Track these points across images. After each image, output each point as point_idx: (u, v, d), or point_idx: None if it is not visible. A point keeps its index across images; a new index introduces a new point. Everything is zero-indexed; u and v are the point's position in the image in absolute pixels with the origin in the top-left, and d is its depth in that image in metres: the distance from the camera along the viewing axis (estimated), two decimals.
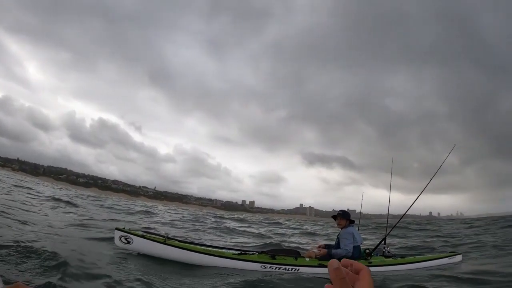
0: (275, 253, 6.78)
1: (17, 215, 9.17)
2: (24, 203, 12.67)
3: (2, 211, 9.08)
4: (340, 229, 7.16)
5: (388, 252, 7.82)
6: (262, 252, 6.88)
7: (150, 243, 6.56)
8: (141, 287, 4.50)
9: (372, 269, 6.85)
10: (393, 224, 8.78)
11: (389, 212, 7.62)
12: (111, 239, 7.43)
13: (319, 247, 7.25)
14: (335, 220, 7.29)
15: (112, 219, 13.05)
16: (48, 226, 8.53)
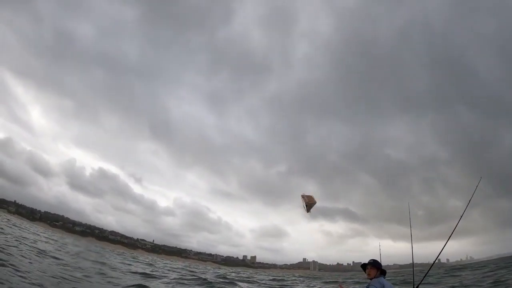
0: None
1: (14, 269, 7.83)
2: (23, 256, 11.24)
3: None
4: (369, 279, 6.16)
5: None
6: None
7: None
8: None
9: None
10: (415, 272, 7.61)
11: (397, 263, 6.64)
12: None
13: None
14: (365, 270, 6.24)
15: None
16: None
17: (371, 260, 6.30)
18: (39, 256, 12.73)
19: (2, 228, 21.17)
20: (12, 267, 8.55)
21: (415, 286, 6.90)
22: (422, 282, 6.98)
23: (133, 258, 33.20)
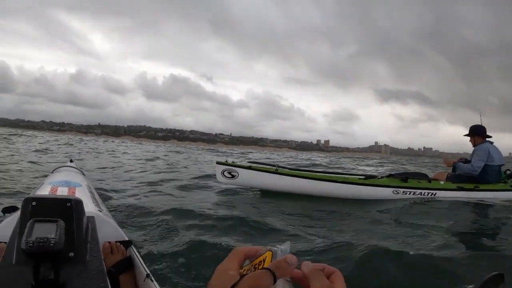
0: (406, 175, 5.72)
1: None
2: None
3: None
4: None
5: None
6: (390, 176, 5.85)
7: (259, 174, 5.76)
8: (271, 225, 3.74)
9: None
10: None
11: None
12: (211, 176, 6.98)
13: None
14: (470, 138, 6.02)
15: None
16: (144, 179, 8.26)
17: (472, 126, 6.02)
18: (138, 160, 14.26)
19: (96, 148, 23.54)
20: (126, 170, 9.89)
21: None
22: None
23: (217, 151, 35.43)
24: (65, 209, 1.12)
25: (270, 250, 0.48)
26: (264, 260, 0.48)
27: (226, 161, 6.09)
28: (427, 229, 3.69)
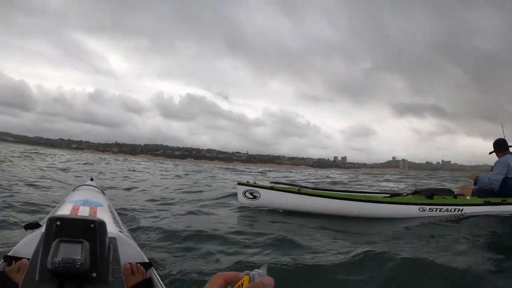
0: (431, 192, 5.54)
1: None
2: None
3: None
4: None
5: None
6: (416, 193, 5.65)
7: (281, 195, 5.64)
8: (292, 246, 3.63)
9: None
10: None
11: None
12: (233, 196, 6.90)
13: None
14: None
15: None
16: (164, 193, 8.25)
17: (494, 141, 5.85)
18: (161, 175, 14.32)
19: (116, 167, 23.87)
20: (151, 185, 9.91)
21: None
22: None
23: (236, 170, 35.29)
24: (89, 230, 1.15)
25: (248, 274, 0.53)
26: (242, 285, 0.52)
27: (248, 181, 5.98)
28: (458, 246, 3.59)
